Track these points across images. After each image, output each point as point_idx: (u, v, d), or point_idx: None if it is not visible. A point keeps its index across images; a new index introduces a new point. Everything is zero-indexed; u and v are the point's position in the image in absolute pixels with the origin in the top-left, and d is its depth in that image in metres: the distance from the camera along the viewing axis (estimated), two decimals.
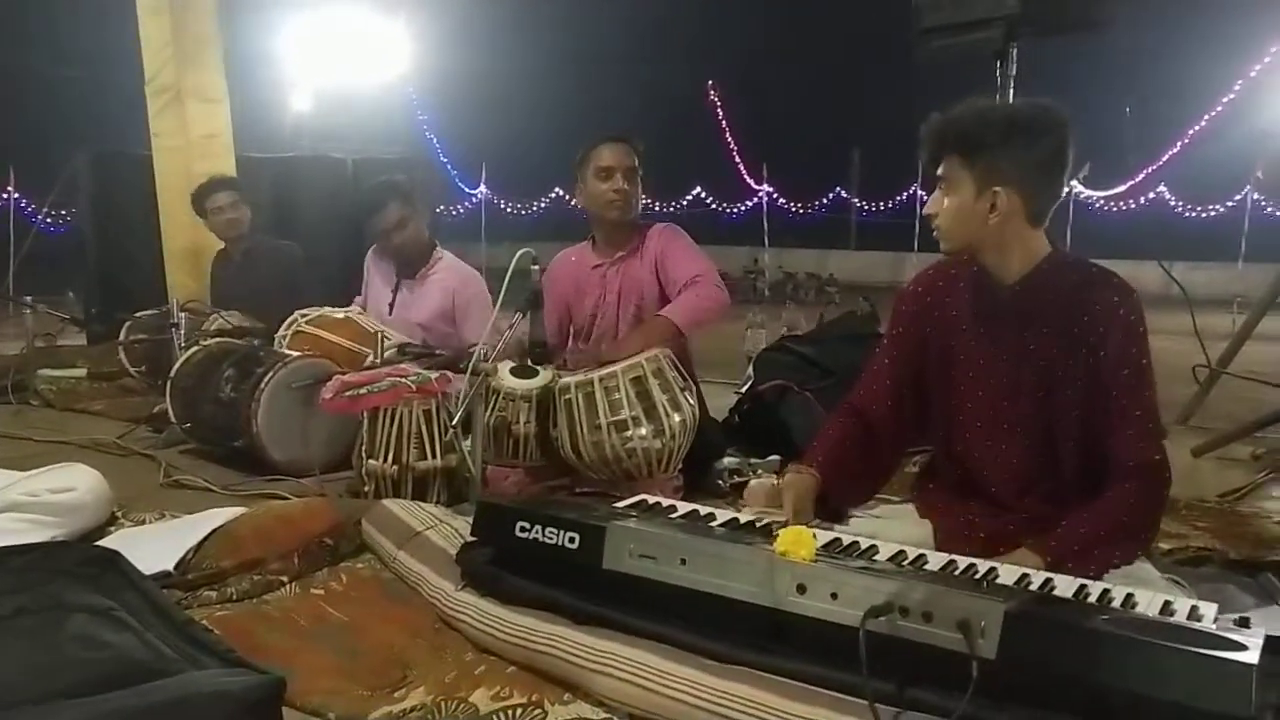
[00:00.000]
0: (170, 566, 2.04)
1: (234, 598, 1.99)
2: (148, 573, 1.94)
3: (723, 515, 2.03)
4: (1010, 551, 1.93)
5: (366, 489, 2.79)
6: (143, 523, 2.45)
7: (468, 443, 2.78)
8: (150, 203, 5.93)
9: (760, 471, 3.04)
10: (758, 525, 1.93)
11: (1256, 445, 3.69)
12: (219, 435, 3.35)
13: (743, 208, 23.77)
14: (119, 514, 2.45)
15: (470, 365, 2.72)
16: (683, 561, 1.70)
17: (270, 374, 3.16)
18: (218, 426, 3.33)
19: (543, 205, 23.66)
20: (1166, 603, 1.60)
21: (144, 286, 5.99)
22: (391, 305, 3.83)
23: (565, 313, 3.42)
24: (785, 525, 1.88)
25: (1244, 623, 1.51)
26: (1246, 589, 2.30)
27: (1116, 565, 1.91)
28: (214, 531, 2.15)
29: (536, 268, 2.87)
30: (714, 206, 24.58)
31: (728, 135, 21.10)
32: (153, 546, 2.12)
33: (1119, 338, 1.93)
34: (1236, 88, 14.23)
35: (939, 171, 2.03)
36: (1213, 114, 15.02)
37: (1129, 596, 1.64)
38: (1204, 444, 3.63)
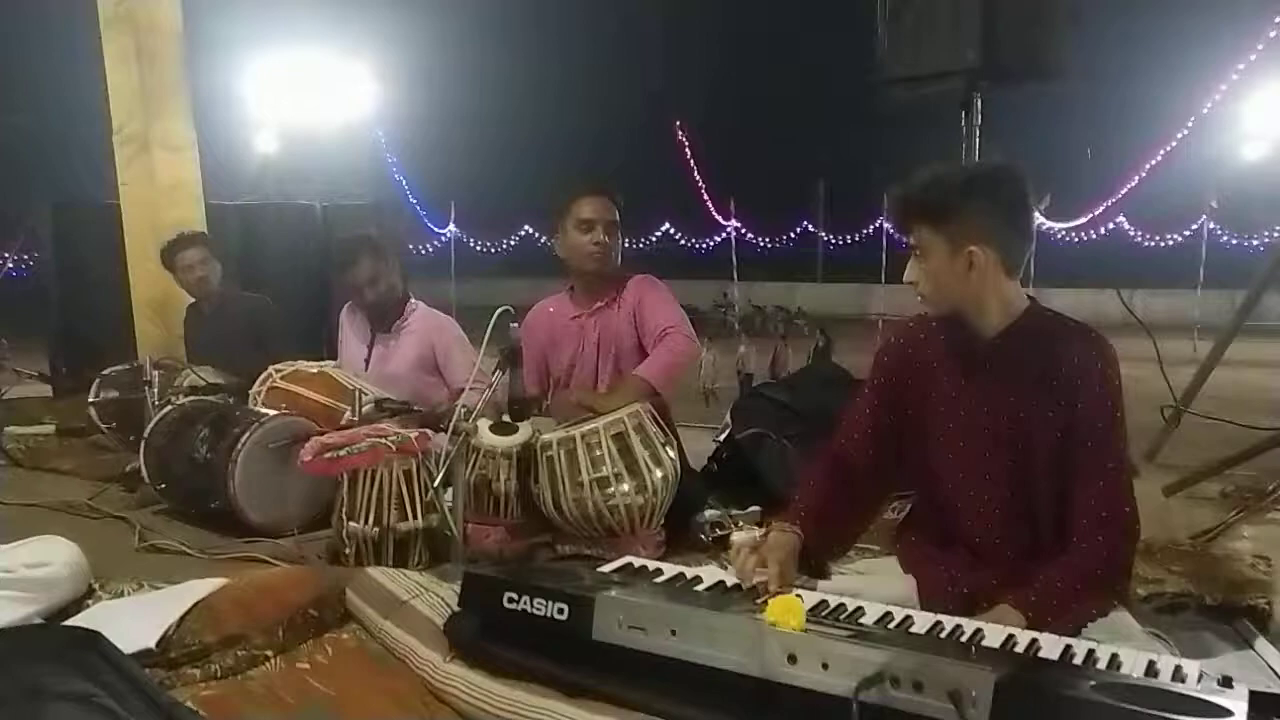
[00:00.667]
0: (152, 644, 2.01)
1: (218, 675, 1.96)
2: (129, 651, 1.92)
3: (709, 576, 2.04)
4: (992, 607, 1.96)
5: (347, 551, 2.77)
6: (121, 594, 2.42)
7: (448, 498, 2.77)
8: (116, 253, 5.87)
9: (741, 524, 3.05)
10: (744, 588, 1.94)
11: (1225, 483, 3.75)
12: (194, 496, 3.31)
13: (711, 242, 23.96)
14: (96, 586, 2.41)
15: (451, 425, 2.72)
16: (673, 632, 1.70)
17: (246, 434, 3.14)
18: (193, 488, 3.29)
19: (512, 243, 23.73)
20: (1150, 662, 1.63)
21: (110, 337, 5.93)
22: (368, 360, 3.82)
23: (543, 362, 3.43)
24: (769, 590, 1.90)
25: (1227, 682, 1.54)
26: (1223, 636, 2.33)
27: (1094, 618, 1.96)
28: (195, 605, 2.13)
29: (515, 325, 2.88)
30: (683, 242, 24.78)
31: (695, 173, 21.31)
32: (133, 622, 2.09)
33: (1095, 391, 2.00)
34: (1190, 123, 14.67)
35: (911, 240, 2.09)
36: (1168, 148, 15.45)
37: (1114, 656, 1.66)
38: (1175, 483, 3.69)
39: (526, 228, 22.68)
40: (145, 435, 3.47)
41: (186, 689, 1.91)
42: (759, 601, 1.80)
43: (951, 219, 2.01)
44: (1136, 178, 16.52)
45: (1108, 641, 1.86)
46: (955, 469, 2.14)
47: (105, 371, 4.58)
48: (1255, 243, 21.73)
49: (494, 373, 2.85)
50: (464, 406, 2.75)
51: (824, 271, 26.49)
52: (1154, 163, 15.74)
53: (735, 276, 23.10)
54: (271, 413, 3.30)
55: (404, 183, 17.71)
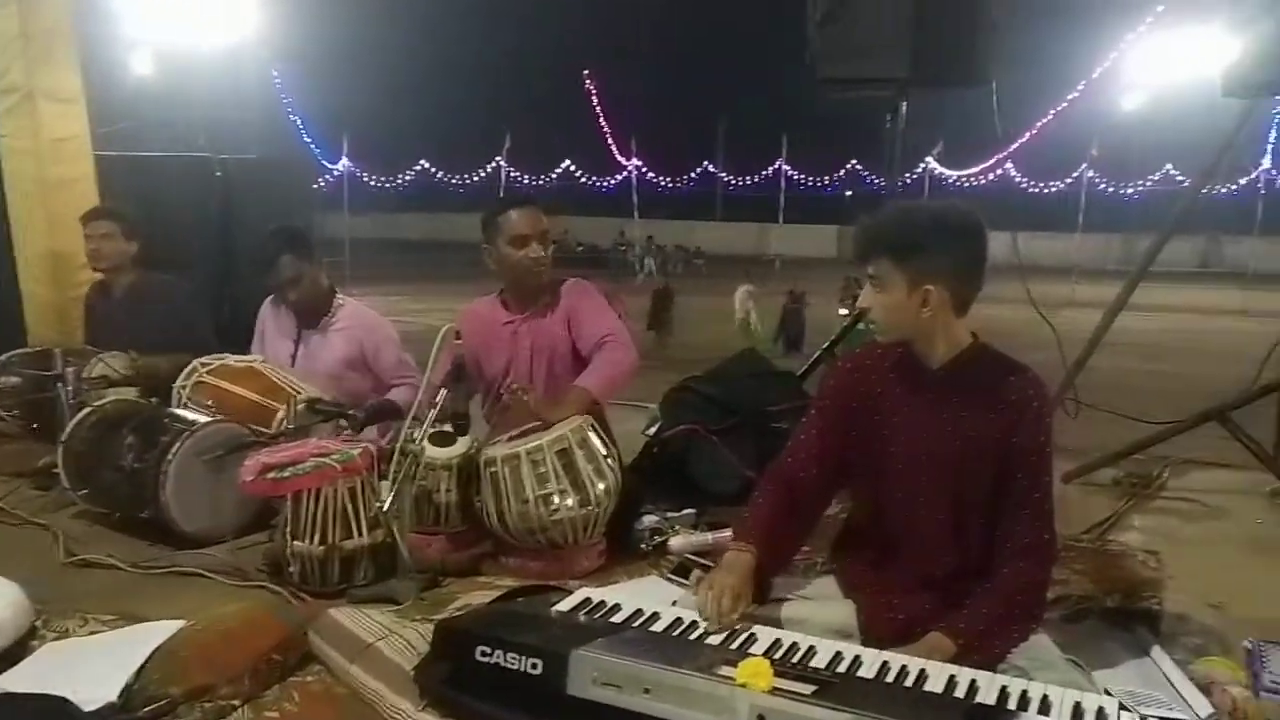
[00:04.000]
0: (114, 697, 2.00)
1: None
2: (90, 707, 1.92)
3: (665, 613, 2.13)
4: (927, 633, 2.13)
5: (291, 569, 2.77)
6: (66, 633, 2.37)
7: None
8: None
9: (678, 528, 3.16)
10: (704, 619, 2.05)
11: (1116, 468, 4.05)
12: (121, 504, 3.23)
13: (612, 181, 23.91)
14: (39, 624, 2.36)
15: (399, 446, 2.74)
16: (646, 691, 1.80)
17: (177, 444, 3.07)
18: (119, 496, 3.21)
19: (408, 178, 23.15)
20: (1077, 705, 1.80)
21: None
22: (294, 357, 3.76)
23: (476, 364, 3.43)
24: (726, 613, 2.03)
25: None
26: (1124, 645, 2.56)
27: (1017, 643, 2.14)
28: (154, 652, 2.11)
29: (459, 341, 2.89)
30: (583, 180, 24.65)
31: (599, 114, 21.09)
32: (90, 672, 2.08)
33: (1030, 427, 2.17)
34: (1081, 86, 15.36)
35: (870, 270, 2.21)
36: (1059, 108, 16.19)
37: (1045, 698, 1.83)
38: (1074, 470, 3.97)
39: (423, 162, 22.32)
40: (63, 439, 3.35)
41: None
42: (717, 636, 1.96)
43: (915, 256, 2.14)
44: (1028, 134, 17.29)
45: (1031, 667, 2.06)
46: (897, 492, 2.30)
47: (4, 356, 4.36)
48: (1129, 191, 23.08)
49: (440, 390, 2.88)
50: (408, 428, 2.76)
51: (723, 211, 26.88)
52: (1045, 120, 16.54)
53: (636, 215, 23.26)
54: (203, 419, 3.22)
55: (299, 122, 16.98)
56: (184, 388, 3.57)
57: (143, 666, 2.08)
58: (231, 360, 3.66)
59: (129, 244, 4.35)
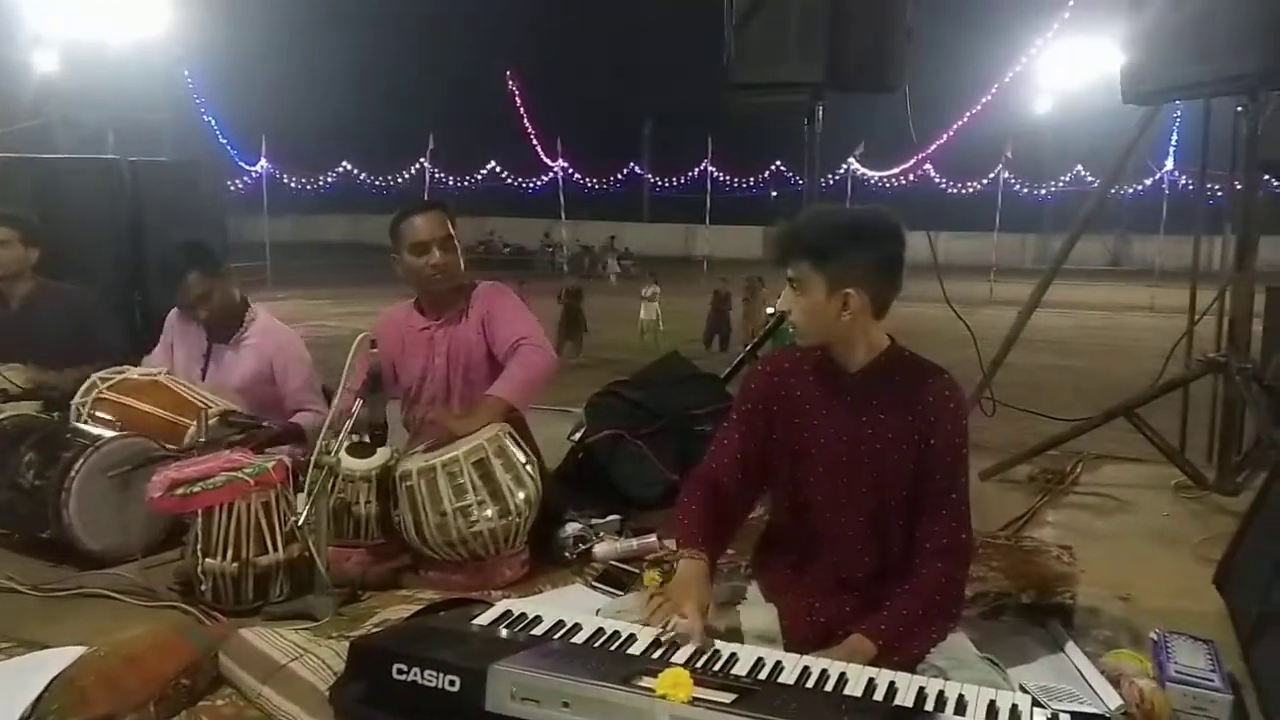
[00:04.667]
0: None
1: None
2: None
3: (586, 624, 2.11)
4: (848, 635, 2.14)
5: (203, 587, 2.69)
6: None
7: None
8: None
9: (603, 535, 3.14)
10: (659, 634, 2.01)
11: (1034, 466, 4.15)
12: (20, 524, 3.10)
13: (539, 182, 23.77)
14: None
15: (313, 459, 2.67)
16: (565, 705, 1.77)
17: (80, 460, 2.95)
18: (19, 515, 3.07)
19: (330, 179, 22.69)
20: (991, 703, 1.83)
21: None
22: (204, 371, 3.63)
23: (392, 371, 3.37)
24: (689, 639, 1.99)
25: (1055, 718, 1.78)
26: (1039, 640, 2.61)
27: (935, 642, 2.17)
28: (53, 681, 2.02)
29: (375, 351, 2.83)
30: (509, 181, 24.46)
31: (523, 114, 20.95)
32: None
33: (946, 428, 2.19)
34: (994, 90, 15.80)
35: (789, 273, 2.21)
36: (974, 110, 16.64)
37: (961, 698, 1.85)
38: (990, 468, 4.05)
39: (345, 164, 21.94)
40: None
41: None
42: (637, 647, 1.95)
43: (834, 261, 2.14)
44: (945, 135, 17.74)
45: (949, 666, 2.09)
46: (817, 494, 2.31)
47: None
48: (1043, 191, 23.88)
49: (356, 399, 2.81)
50: (323, 440, 2.69)
51: (650, 213, 26.97)
52: (961, 122, 17.01)
53: (563, 216, 23.18)
54: (108, 434, 3.10)
55: (213, 122, 16.50)
56: (83, 404, 3.42)
57: (40, 696, 1.99)
58: (134, 374, 3.51)
59: (28, 251, 4.15)
